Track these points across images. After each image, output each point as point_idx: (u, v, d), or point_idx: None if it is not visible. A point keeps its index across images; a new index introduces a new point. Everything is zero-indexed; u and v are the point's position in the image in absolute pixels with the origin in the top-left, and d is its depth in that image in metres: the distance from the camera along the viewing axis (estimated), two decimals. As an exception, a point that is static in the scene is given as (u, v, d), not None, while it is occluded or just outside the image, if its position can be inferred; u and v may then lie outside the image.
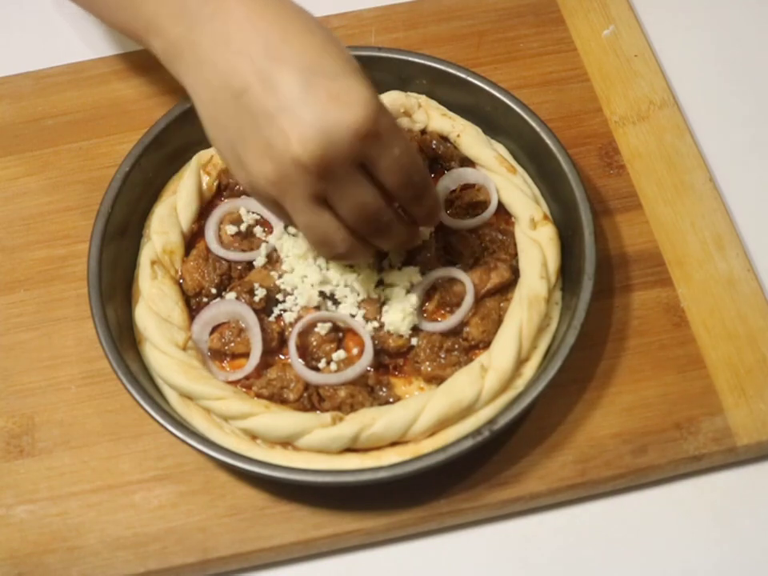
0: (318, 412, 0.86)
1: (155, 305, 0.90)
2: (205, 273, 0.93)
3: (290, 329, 0.90)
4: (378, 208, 0.78)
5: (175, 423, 0.83)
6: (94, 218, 0.92)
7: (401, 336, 0.89)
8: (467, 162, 0.99)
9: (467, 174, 0.98)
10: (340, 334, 0.91)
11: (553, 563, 0.86)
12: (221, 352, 0.90)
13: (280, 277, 0.93)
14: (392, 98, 1.00)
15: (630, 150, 1.03)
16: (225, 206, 0.97)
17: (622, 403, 0.90)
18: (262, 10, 0.76)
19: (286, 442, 0.84)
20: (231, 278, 0.94)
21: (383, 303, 0.91)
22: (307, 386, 0.87)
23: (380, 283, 0.92)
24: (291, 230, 0.95)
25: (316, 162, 0.73)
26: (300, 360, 0.88)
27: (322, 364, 0.89)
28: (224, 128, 0.77)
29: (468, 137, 0.98)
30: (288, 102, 0.73)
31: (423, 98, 1.01)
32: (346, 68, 0.75)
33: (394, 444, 0.84)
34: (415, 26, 1.12)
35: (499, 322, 0.90)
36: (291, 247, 0.93)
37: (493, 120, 0.99)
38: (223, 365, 0.90)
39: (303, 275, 0.91)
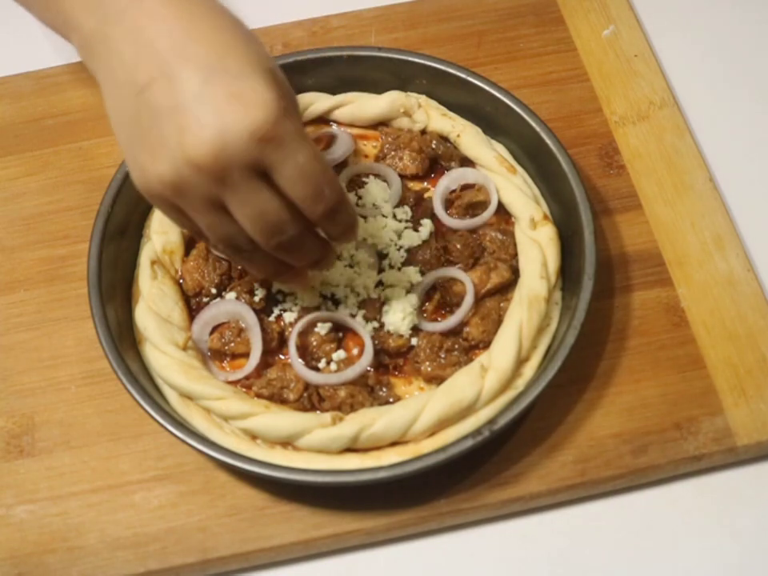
0: (317, 412, 0.86)
1: (155, 305, 0.90)
2: (205, 273, 0.93)
3: (289, 329, 0.90)
4: (279, 221, 0.74)
5: (175, 423, 0.83)
6: (93, 218, 0.92)
7: (401, 336, 0.90)
8: (467, 161, 0.99)
9: (467, 174, 0.98)
10: (340, 333, 0.91)
11: (553, 563, 0.86)
12: (221, 352, 0.90)
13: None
14: (392, 98, 1.00)
15: (630, 150, 1.03)
16: (225, 206, 0.96)
17: (622, 403, 0.90)
18: (175, 5, 0.72)
19: (286, 442, 0.84)
20: (231, 277, 0.94)
21: (383, 303, 0.91)
22: (307, 385, 0.87)
23: (380, 283, 0.92)
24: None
25: (210, 163, 0.69)
26: (300, 360, 0.88)
27: (322, 364, 0.89)
28: (125, 124, 0.74)
29: (468, 137, 0.98)
30: (186, 100, 0.70)
31: (423, 98, 1.01)
32: (253, 68, 0.71)
33: (394, 444, 0.84)
34: (415, 26, 1.12)
35: (499, 321, 0.90)
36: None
37: (493, 120, 0.99)
38: (223, 365, 0.90)
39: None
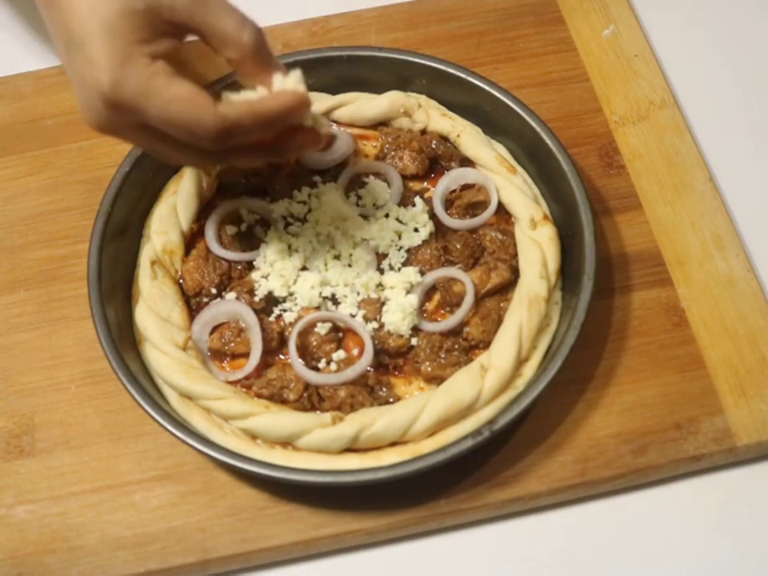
0: (317, 412, 0.86)
1: (155, 305, 0.90)
2: (205, 273, 0.93)
3: (290, 329, 0.90)
4: (171, 159, 0.82)
5: (175, 423, 0.83)
6: (93, 218, 0.92)
7: (401, 336, 0.90)
8: (467, 161, 0.99)
9: (467, 174, 0.98)
10: (340, 333, 0.91)
11: (553, 563, 0.86)
12: (221, 352, 0.90)
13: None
14: (392, 98, 1.00)
15: (630, 149, 1.03)
16: (225, 206, 0.97)
17: (622, 403, 0.90)
18: None
19: (286, 442, 0.84)
20: (231, 278, 0.94)
21: (383, 303, 0.91)
22: (307, 385, 0.87)
23: (380, 284, 0.92)
24: (291, 229, 0.95)
25: (90, 122, 0.78)
26: (300, 360, 0.88)
27: (322, 364, 0.89)
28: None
29: (468, 137, 0.98)
30: (66, 60, 0.77)
31: (423, 98, 1.01)
32: (91, 29, 0.75)
33: (394, 444, 0.84)
34: (415, 26, 1.12)
35: (499, 321, 0.90)
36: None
37: (493, 120, 0.99)
38: (223, 365, 0.90)
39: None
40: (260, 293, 0.92)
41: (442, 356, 0.89)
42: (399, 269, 0.93)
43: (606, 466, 0.87)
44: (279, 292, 0.92)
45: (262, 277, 0.93)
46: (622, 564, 0.86)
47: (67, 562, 0.85)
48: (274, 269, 0.92)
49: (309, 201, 0.96)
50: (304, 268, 0.93)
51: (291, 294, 0.92)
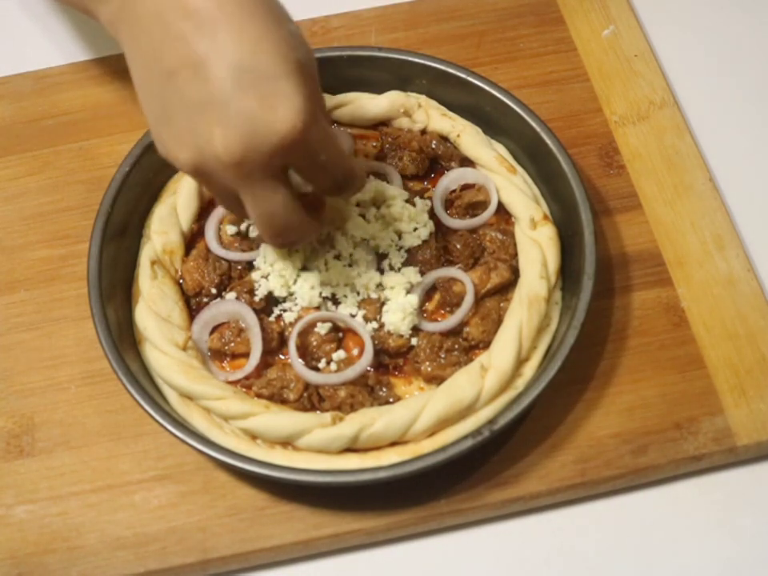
0: (317, 412, 0.86)
1: (155, 305, 0.90)
2: (205, 273, 0.93)
3: (290, 329, 0.90)
4: (285, 224, 0.77)
5: (175, 423, 0.83)
6: (93, 218, 0.92)
7: (401, 336, 0.90)
8: (467, 161, 0.99)
9: (467, 174, 0.98)
10: (340, 333, 0.91)
11: (553, 563, 0.86)
12: (221, 352, 0.90)
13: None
14: (392, 98, 1.00)
15: (630, 149, 1.03)
16: (225, 206, 0.97)
17: (622, 403, 0.90)
18: None
19: (286, 442, 0.84)
20: (231, 277, 0.94)
21: (383, 303, 0.91)
22: (307, 385, 0.87)
23: (380, 283, 0.92)
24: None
25: (235, 162, 0.71)
26: (300, 360, 0.88)
27: (322, 364, 0.89)
28: (152, 99, 0.75)
29: (468, 137, 0.98)
30: (217, 97, 0.70)
31: (423, 98, 1.01)
32: (283, 66, 0.71)
33: (393, 444, 0.84)
34: (415, 26, 1.12)
35: (499, 321, 0.90)
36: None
37: (493, 120, 0.99)
38: (223, 365, 0.90)
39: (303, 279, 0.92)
40: (260, 293, 0.92)
41: (442, 356, 0.89)
42: (399, 269, 0.93)
43: (606, 466, 0.87)
44: (279, 292, 0.92)
45: (262, 277, 0.93)
46: (622, 564, 0.86)
47: (67, 561, 0.85)
48: (273, 269, 0.92)
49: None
50: (304, 268, 0.93)
51: (291, 294, 0.92)
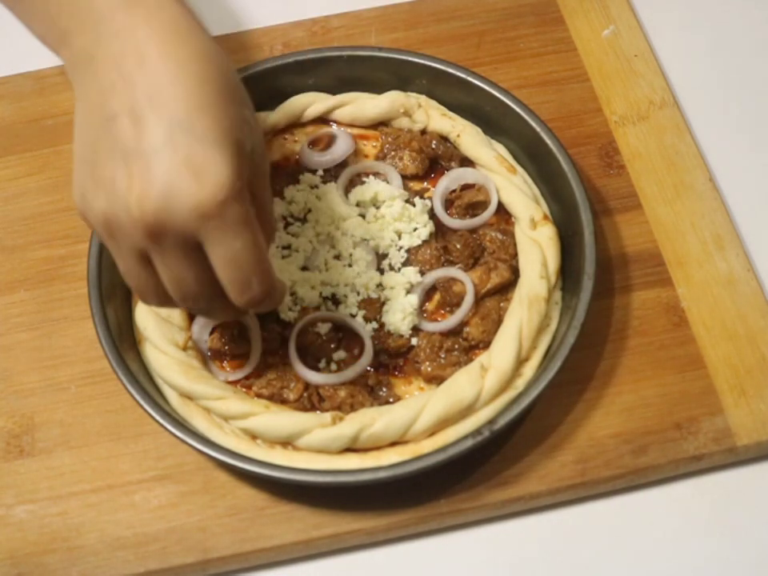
0: (317, 412, 0.86)
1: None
2: (205, 273, 0.92)
3: (289, 329, 0.90)
4: (196, 293, 0.73)
5: (175, 423, 0.83)
6: (94, 218, 0.92)
7: (401, 336, 0.90)
8: (467, 161, 0.99)
9: (467, 174, 0.98)
10: (340, 333, 0.91)
11: (553, 563, 0.86)
12: (221, 352, 0.90)
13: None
14: (392, 98, 1.00)
15: (630, 149, 1.03)
16: (225, 206, 0.96)
17: (622, 403, 0.90)
18: (165, 41, 0.71)
19: (286, 442, 0.84)
20: (231, 277, 0.93)
21: (383, 303, 0.91)
22: (307, 385, 0.88)
23: (380, 283, 0.92)
24: (291, 229, 0.95)
25: (146, 222, 0.68)
26: (300, 360, 0.88)
27: (322, 364, 0.89)
28: (84, 144, 0.73)
29: (468, 137, 0.98)
30: (146, 149, 0.68)
31: (423, 98, 1.01)
32: (220, 137, 0.69)
33: (393, 444, 0.84)
34: (415, 26, 1.12)
35: (499, 321, 0.90)
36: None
37: (493, 120, 0.99)
38: (223, 365, 0.90)
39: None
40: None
41: (442, 356, 0.89)
42: (399, 269, 0.93)
43: (605, 466, 0.87)
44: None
45: None
46: (622, 564, 0.86)
47: (67, 562, 0.85)
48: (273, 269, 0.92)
49: (308, 201, 0.96)
50: (304, 268, 0.93)
51: (291, 294, 0.92)
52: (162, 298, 0.76)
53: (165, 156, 0.68)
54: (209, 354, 0.90)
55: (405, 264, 0.93)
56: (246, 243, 0.71)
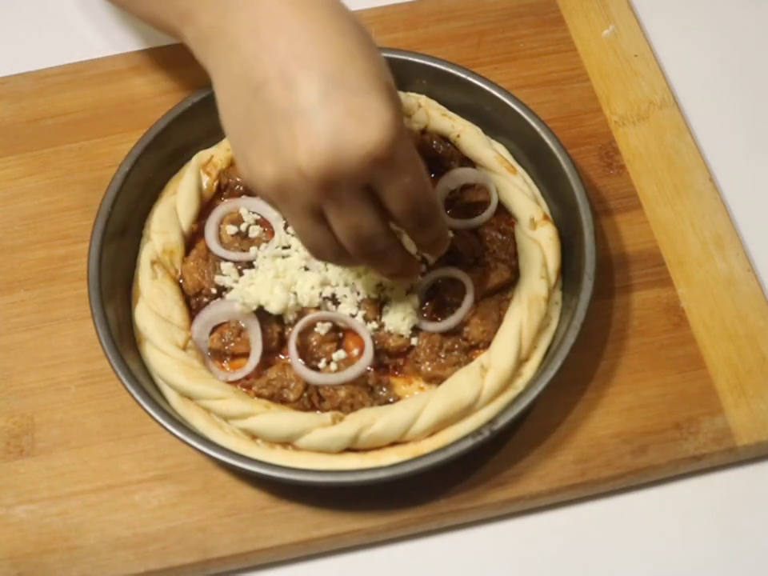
0: (317, 412, 0.86)
1: (155, 305, 0.90)
2: (205, 273, 0.93)
3: (289, 329, 0.90)
4: (373, 235, 0.75)
5: (175, 423, 0.83)
6: (93, 218, 0.92)
7: (401, 336, 0.90)
8: (467, 162, 0.99)
9: (467, 174, 0.98)
10: (340, 333, 0.91)
11: (553, 563, 0.86)
12: (221, 352, 0.90)
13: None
14: (392, 98, 1.00)
15: (630, 149, 1.03)
16: (225, 206, 0.97)
17: (622, 403, 0.90)
18: (294, 4, 0.72)
19: (286, 442, 0.84)
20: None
21: (383, 303, 0.91)
22: (307, 386, 0.88)
23: (380, 283, 0.92)
24: (290, 230, 0.95)
25: (320, 175, 0.69)
26: (300, 360, 0.88)
27: (322, 364, 0.89)
28: (236, 118, 0.74)
29: (468, 137, 0.98)
30: (304, 107, 0.69)
31: (423, 98, 1.01)
32: (373, 83, 0.71)
33: (393, 444, 0.84)
34: (415, 26, 1.12)
35: (499, 321, 0.90)
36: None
37: (493, 120, 0.99)
38: (223, 365, 0.90)
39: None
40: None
41: (442, 356, 0.89)
42: (399, 269, 0.93)
43: (606, 466, 0.87)
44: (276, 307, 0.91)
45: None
46: (622, 564, 0.86)
47: (67, 561, 0.85)
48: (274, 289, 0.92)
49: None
50: (304, 268, 0.93)
51: (293, 294, 0.92)
52: (338, 253, 0.77)
53: (325, 110, 0.69)
54: (209, 354, 0.90)
55: (405, 264, 0.93)
56: (415, 175, 0.73)
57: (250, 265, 0.94)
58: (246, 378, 0.89)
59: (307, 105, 0.69)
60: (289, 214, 0.75)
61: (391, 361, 0.90)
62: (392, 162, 0.71)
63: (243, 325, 0.90)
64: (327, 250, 0.77)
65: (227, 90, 0.76)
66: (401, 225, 0.78)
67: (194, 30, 0.79)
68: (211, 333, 0.91)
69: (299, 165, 0.70)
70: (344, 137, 0.69)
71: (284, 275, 0.91)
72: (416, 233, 0.79)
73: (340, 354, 0.89)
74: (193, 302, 0.93)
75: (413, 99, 1.00)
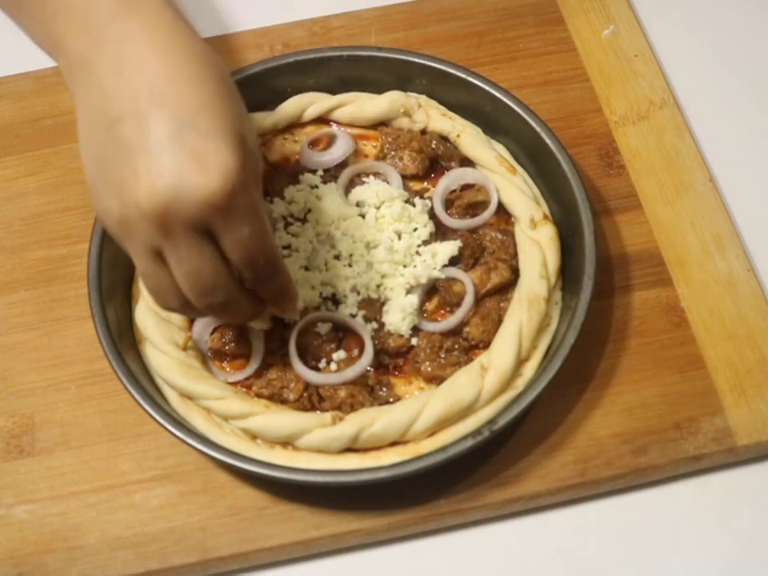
0: (318, 412, 0.86)
1: (155, 305, 0.90)
2: (205, 273, 0.92)
3: (290, 329, 0.90)
4: (213, 285, 0.74)
5: (175, 423, 0.83)
6: (93, 218, 0.92)
7: (401, 336, 0.90)
8: (467, 162, 0.99)
9: (467, 174, 0.98)
10: (340, 333, 0.91)
11: (552, 563, 0.86)
12: (221, 352, 0.90)
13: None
14: (392, 98, 1.00)
15: (630, 150, 1.03)
16: (225, 206, 0.96)
17: (622, 403, 0.90)
18: (162, 44, 0.73)
19: (286, 442, 0.84)
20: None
21: (383, 303, 0.91)
22: (307, 385, 0.87)
23: (380, 283, 0.92)
24: (291, 229, 0.95)
25: (157, 214, 0.69)
26: (300, 360, 0.88)
27: (322, 364, 0.89)
28: (91, 151, 0.74)
29: (468, 137, 0.98)
30: (151, 145, 0.70)
31: (423, 98, 1.01)
32: (224, 130, 0.71)
33: (394, 444, 0.84)
34: (415, 26, 1.12)
35: (499, 321, 0.90)
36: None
37: (493, 120, 0.99)
38: (223, 365, 0.90)
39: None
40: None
41: (442, 356, 0.89)
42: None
43: (606, 466, 0.87)
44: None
45: None
46: (622, 564, 0.86)
47: (67, 561, 0.85)
48: None
49: (308, 201, 0.96)
50: (304, 268, 0.93)
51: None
52: (182, 301, 0.77)
53: (171, 150, 0.69)
54: (209, 354, 0.90)
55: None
56: (253, 229, 0.73)
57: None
58: (246, 377, 0.89)
59: (154, 143, 0.70)
60: (133, 252, 0.75)
61: (391, 361, 0.90)
62: (230, 210, 0.71)
63: (245, 326, 0.90)
64: (170, 296, 0.76)
65: (86, 122, 0.75)
66: (242, 276, 0.77)
67: (64, 58, 0.78)
68: (212, 333, 0.91)
69: (138, 201, 0.70)
70: (184, 178, 0.69)
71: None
72: (256, 285, 0.79)
73: (340, 354, 0.89)
74: (193, 302, 0.92)
75: (413, 99, 1.00)
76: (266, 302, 0.83)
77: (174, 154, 0.69)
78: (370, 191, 0.96)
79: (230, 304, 0.78)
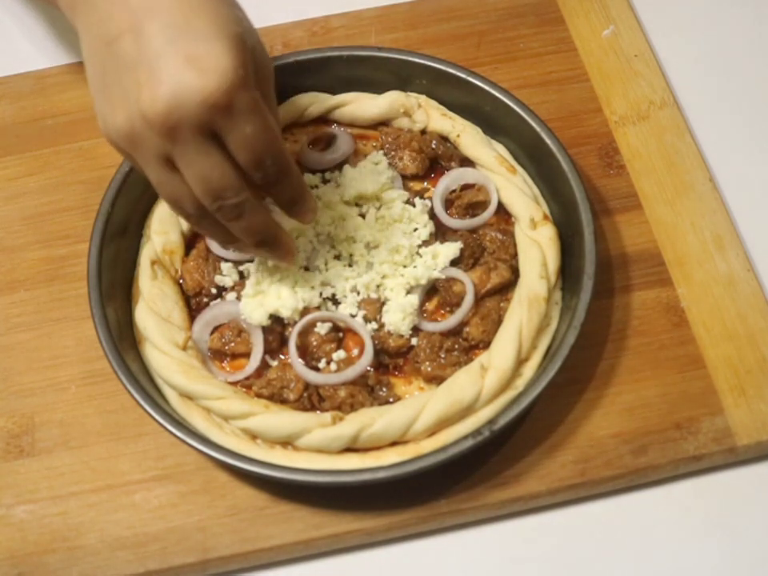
0: (318, 412, 0.86)
1: (155, 305, 0.90)
2: (205, 273, 0.93)
3: (290, 329, 0.90)
4: (224, 186, 0.75)
5: (175, 423, 0.83)
6: (93, 218, 0.92)
7: (401, 336, 0.90)
8: (467, 162, 0.99)
9: (467, 174, 0.98)
10: (340, 333, 0.91)
11: (552, 563, 0.86)
12: (221, 352, 0.90)
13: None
14: (392, 98, 1.00)
15: (630, 150, 1.03)
16: (225, 206, 0.96)
17: (622, 403, 0.90)
18: None
19: (286, 442, 0.84)
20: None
21: (383, 303, 0.91)
22: (307, 385, 0.88)
23: (380, 283, 0.92)
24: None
25: (161, 121, 0.71)
26: (300, 360, 0.88)
27: (322, 364, 0.89)
28: (95, 74, 0.76)
29: (468, 137, 0.98)
30: (149, 56, 0.72)
31: (423, 98, 1.01)
32: (219, 32, 0.72)
33: (394, 444, 0.84)
34: (415, 26, 1.12)
35: (499, 321, 0.90)
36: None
37: (493, 120, 0.99)
38: (223, 365, 0.90)
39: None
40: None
41: (442, 356, 0.89)
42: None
43: (606, 466, 0.87)
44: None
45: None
46: (621, 564, 0.86)
47: (67, 562, 0.85)
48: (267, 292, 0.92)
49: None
50: (304, 268, 0.93)
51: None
52: (197, 206, 0.78)
53: (168, 58, 0.71)
54: (209, 354, 0.90)
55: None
56: (256, 126, 0.74)
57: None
58: (246, 377, 0.89)
59: (152, 53, 0.72)
60: (144, 164, 0.77)
61: (391, 361, 0.90)
62: (231, 109, 0.72)
63: (244, 325, 0.90)
64: (185, 201, 0.78)
65: (89, 49, 0.77)
66: (252, 179, 0.77)
67: None
68: (212, 333, 0.91)
69: (143, 111, 0.72)
70: (183, 83, 0.71)
71: (284, 275, 0.91)
72: (269, 190, 0.80)
73: (340, 354, 0.89)
74: (193, 302, 0.93)
75: (413, 99, 1.00)
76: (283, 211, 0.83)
77: (171, 61, 0.71)
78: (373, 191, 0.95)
79: (243, 210, 0.78)
